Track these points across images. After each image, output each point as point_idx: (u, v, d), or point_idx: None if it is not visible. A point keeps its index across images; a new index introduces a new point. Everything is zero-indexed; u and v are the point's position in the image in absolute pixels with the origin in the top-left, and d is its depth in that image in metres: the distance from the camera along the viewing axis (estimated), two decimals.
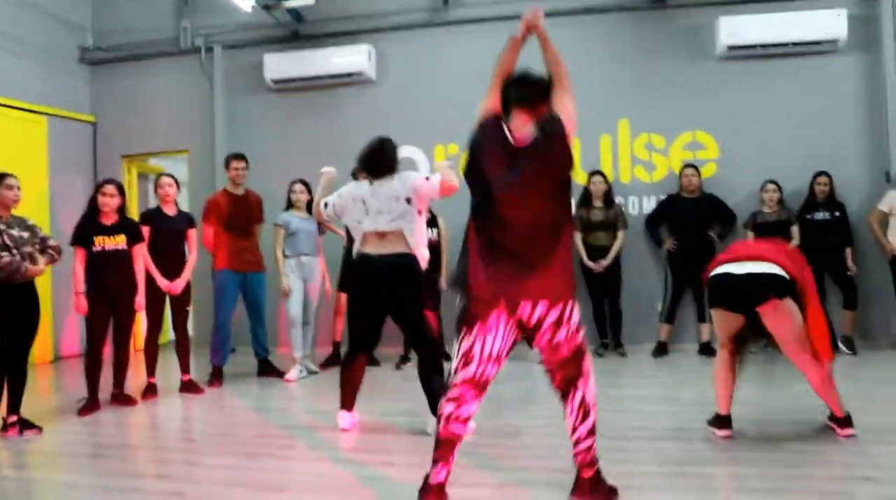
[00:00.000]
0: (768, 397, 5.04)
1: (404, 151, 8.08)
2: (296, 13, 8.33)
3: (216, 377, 6.33)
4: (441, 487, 2.99)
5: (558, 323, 2.90)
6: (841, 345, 6.97)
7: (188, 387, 5.98)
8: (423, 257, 4.51)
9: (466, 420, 3.00)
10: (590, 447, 3.04)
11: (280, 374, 6.56)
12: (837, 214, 7.09)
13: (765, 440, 3.95)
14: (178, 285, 5.93)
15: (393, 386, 6.00)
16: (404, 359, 6.98)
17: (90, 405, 5.29)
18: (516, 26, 3.28)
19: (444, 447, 2.99)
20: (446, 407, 2.97)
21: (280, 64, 8.26)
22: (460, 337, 2.98)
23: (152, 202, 7.46)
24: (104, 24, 9.04)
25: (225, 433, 4.67)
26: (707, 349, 7.11)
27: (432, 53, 8.26)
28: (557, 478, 3.34)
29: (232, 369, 6.77)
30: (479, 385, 2.96)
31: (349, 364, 4.58)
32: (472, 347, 2.93)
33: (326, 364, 7.10)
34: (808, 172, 7.13)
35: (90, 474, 3.90)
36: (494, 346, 2.93)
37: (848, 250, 7.09)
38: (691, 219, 7.25)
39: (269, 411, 5.34)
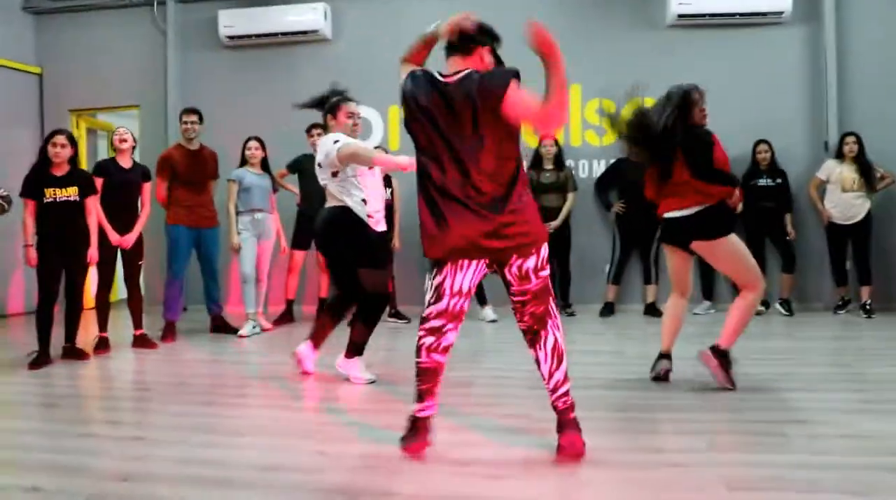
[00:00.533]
0: None
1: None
2: None
3: (169, 332, 6.32)
4: (426, 421, 3.13)
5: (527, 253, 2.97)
6: (778, 306, 7.29)
7: (141, 341, 5.96)
8: (360, 212, 4.57)
9: (446, 350, 3.10)
10: (567, 392, 3.05)
11: (233, 330, 6.59)
12: (779, 180, 7.36)
13: (705, 390, 4.15)
14: (130, 240, 5.89)
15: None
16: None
17: (41, 359, 5.23)
18: None
19: (426, 378, 3.11)
20: (425, 339, 3.08)
21: (235, 20, 8.18)
22: (432, 273, 3.09)
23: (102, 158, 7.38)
24: None
25: (180, 384, 4.71)
26: (652, 309, 7.36)
27: (388, 14, 8.26)
28: (507, 423, 3.55)
29: (184, 325, 6.78)
30: (452, 316, 3.06)
31: (337, 309, 4.76)
32: (442, 282, 3.02)
33: (279, 322, 7.16)
34: (752, 139, 7.37)
35: (44, 421, 3.91)
36: (465, 282, 3.02)
37: (788, 216, 7.37)
38: (639, 183, 7.41)
39: (223, 364, 5.39)
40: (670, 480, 2.76)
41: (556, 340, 3.05)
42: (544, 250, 3.01)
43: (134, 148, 6.12)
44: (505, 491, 2.70)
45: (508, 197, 2.94)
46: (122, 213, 5.90)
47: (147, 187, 6.08)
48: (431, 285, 3.08)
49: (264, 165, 6.80)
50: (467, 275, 3.01)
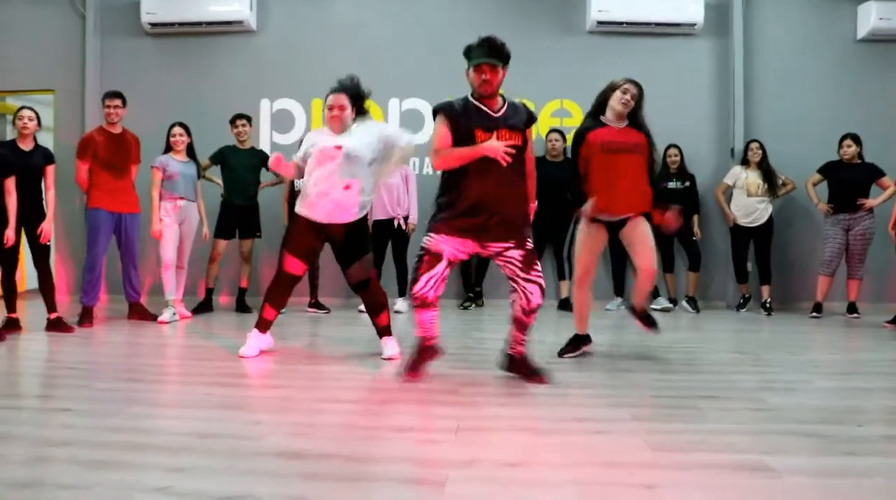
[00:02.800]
0: (620, 343, 5.52)
1: (282, 104, 8.17)
2: None
3: (87, 318, 6.17)
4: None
5: None
6: (685, 304, 7.66)
7: (56, 325, 5.80)
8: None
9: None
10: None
11: (152, 317, 6.51)
12: (687, 183, 7.74)
13: (620, 372, 4.38)
14: (47, 232, 5.81)
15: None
16: None
17: None
18: None
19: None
20: None
21: (158, 7, 8.03)
22: None
23: None
24: None
25: (108, 362, 4.63)
26: (566, 304, 7.60)
27: (314, 7, 8.30)
28: (435, 396, 3.70)
29: (100, 313, 6.67)
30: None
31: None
32: None
33: (197, 310, 7.10)
34: (663, 143, 7.69)
35: None
36: None
37: (695, 218, 7.76)
38: (552, 181, 7.66)
39: (147, 346, 5.31)
40: (597, 444, 2.93)
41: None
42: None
43: (37, 130, 5.90)
44: (440, 453, 2.81)
45: None
46: (23, 197, 5.68)
47: (50, 171, 5.91)
48: None
49: (190, 151, 6.74)
50: None
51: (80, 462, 2.66)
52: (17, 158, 5.70)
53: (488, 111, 3.92)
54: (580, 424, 3.22)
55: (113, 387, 3.91)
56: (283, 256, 4.76)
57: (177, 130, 6.65)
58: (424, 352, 4.09)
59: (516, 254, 3.88)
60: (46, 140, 6.14)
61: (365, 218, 4.81)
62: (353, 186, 4.61)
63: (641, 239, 4.63)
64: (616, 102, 4.59)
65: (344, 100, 4.70)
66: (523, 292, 3.90)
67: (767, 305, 7.50)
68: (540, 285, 3.91)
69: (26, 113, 5.83)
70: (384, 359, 4.71)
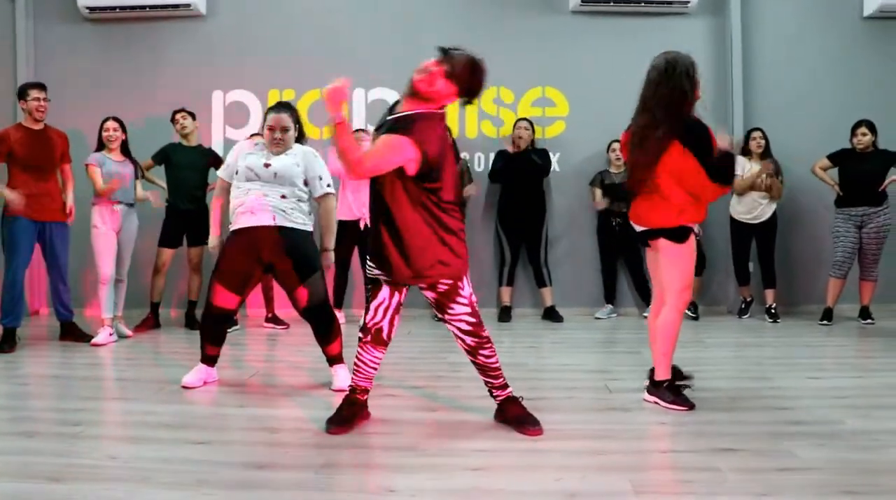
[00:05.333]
0: (614, 365, 4.84)
1: (235, 96, 7.43)
2: None
3: (7, 342, 5.40)
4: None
5: None
6: (686, 310, 6.96)
7: None
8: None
9: None
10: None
11: (86, 338, 5.75)
12: None
13: (615, 412, 3.70)
14: None
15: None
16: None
17: None
18: None
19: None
20: None
21: None
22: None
23: None
24: None
25: (4, 409, 3.87)
26: (551, 314, 6.93)
27: None
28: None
29: (30, 333, 5.95)
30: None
31: None
32: None
33: (142, 327, 6.36)
34: None
35: None
36: None
37: None
38: (520, 173, 6.94)
39: (69, 380, 4.57)
40: None
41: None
42: None
43: None
44: None
45: None
46: None
47: None
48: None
49: (125, 149, 6.00)
50: None
51: None
52: None
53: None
54: None
55: None
56: (212, 286, 4.21)
57: (110, 124, 5.89)
58: (357, 407, 3.47)
59: (429, 295, 3.31)
60: None
61: (311, 234, 4.31)
62: (288, 196, 4.19)
63: None
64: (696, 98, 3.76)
65: (288, 121, 4.27)
66: (452, 332, 3.40)
67: (773, 311, 6.83)
68: (459, 328, 3.33)
69: None
70: (334, 390, 4.15)
